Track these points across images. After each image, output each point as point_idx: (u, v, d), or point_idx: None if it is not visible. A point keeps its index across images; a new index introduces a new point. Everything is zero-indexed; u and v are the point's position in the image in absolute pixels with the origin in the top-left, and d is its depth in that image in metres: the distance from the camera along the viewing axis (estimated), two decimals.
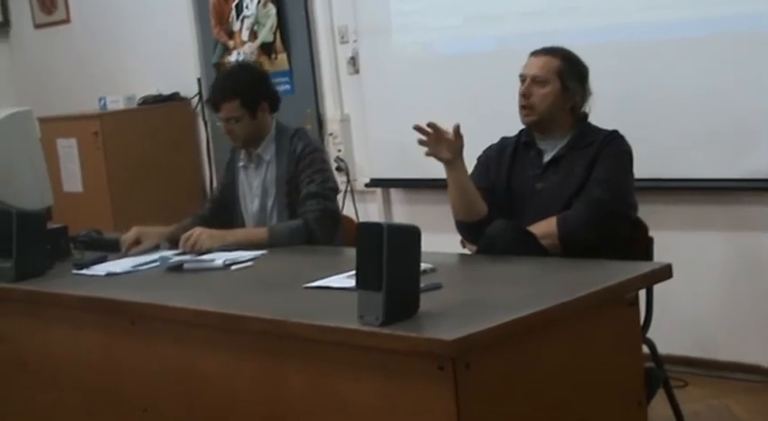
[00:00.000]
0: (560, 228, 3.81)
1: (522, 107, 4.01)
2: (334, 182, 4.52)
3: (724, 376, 5.01)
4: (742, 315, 4.98)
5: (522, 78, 4.03)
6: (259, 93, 4.47)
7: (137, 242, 4.38)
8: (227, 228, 4.46)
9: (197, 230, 4.25)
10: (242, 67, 4.83)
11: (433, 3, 5.85)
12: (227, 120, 4.46)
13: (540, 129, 4.05)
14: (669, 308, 4.10)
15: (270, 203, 4.51)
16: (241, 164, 4.62)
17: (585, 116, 4.06)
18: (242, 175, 4.62)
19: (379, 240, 2.81)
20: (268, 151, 4.52)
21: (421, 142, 3.84)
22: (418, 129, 3.82)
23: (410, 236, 2.89)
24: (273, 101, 4.54)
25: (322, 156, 4.52)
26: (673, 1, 4.90)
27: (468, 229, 3.98)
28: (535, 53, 4.07)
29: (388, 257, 2.81)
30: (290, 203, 4.44)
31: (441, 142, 3.85)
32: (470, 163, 4.08)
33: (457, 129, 3.83)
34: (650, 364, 3.77)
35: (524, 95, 4.00)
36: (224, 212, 4.65)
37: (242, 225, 4.56)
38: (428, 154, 3.87)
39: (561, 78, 3.99)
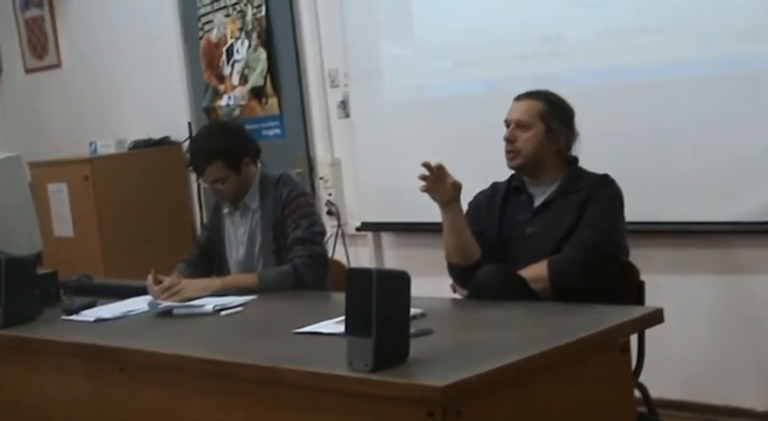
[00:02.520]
0: (551, 271, 3.80)
1: (508, 152, 4.02)
2: (321, 225, 4.51)
3: (717, 420, 4.98)
4: (735, 358, 4.96)
5: (507, 123, 4.04)
6: (239, 149, 4.44)
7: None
8: (210, 275, 4.45)
9: (183, 281, 4.24)
10: (216, 127, 4.78)
11: (424, 47, 5.86)
12: (213, 183, 4.45)
13: (527, 173, 4.05)
14: (661, 352, 4.07)
15: (257, 250, 4.49)
16: (226, 211, 4.60)
17: (576, 160, 4.07)
18: (227, 223, 4.60)
19: (368, 286, 2.80)
20: (254, 199, 4.50)
21: (422, 177, 3.83)
22: (426, 165, 3.82)
23: (400, 281, 2.87)
24: (256, 152, 4.52)
25: (308, 200, 4.51)
26: (662, 43, 4.90)
27: (461, 273, 3.97)
28: (518, 98, 4.09)
29: (378, 303, 2.79)
30: (276, 249, 4.42)
31: (441, 183, 3.84)
32: (462, 207, 4.08)
33: (455, 182, 3.83)
34: (643, 409, 3.76)
35: (509, 140, 4.01)
36: (210, 258, 4.63)
37: (227, 273, 4.54)
38: (423, 190, 3.86)
39: (544, 121, 4.00)
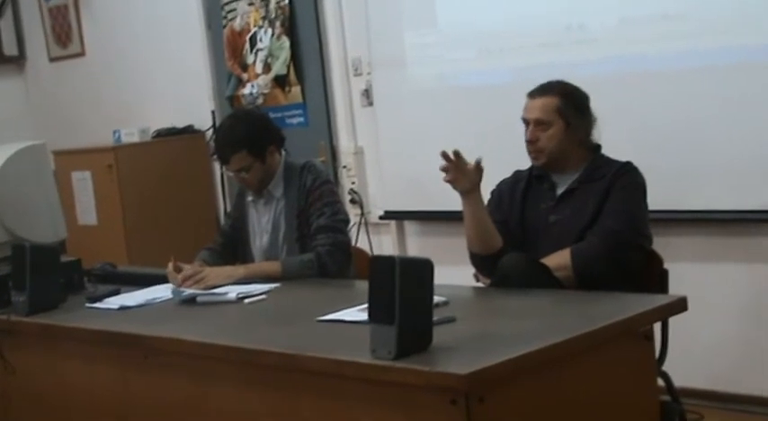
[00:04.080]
0: (574, 260, 3.80)
1: (531, 152, 4.01)
2: (345, 214, 4.51)
3: (742, 409, 4.96)
4: (759, 347, 4.94)
5: (525, 122, 4.02)
6: (264, 137, 4.44)
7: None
8: (234, 263, 4.46)
9: (206, 269, 4.25)
10: (241, 116, 4.74)
11: (447, 35, 5.85)
12: (237, 172, 4.45)
13: (552, 168, 4.04)
14: (685, 340, 4.07)
15: (281, 238, 4.49)
16: (250, 199, 4.60)
17: (598, 147, 4.05)
18: (251, 210, 4.60)
19: (391, 273, 2.81)
20: (278, 187, 4.50)
21: (442, 168, 3.83)
22: (444, 155, 3.81)
23: (423, 269, 2.88)
24: (280, 140, 4.52)
25: (332, 188, 4.50)
26: (687, 31, 4.89)
27: (483, 262, 3.96)
28: (532, 95, 4.05)
29: (401, 290, 2.80)
30: (299, 237, 4.43)
31: (461, 172, 3.83)
32: (484, 196, 4.07)
33: (478, 163, 3.82)
34: (666, 398, 3.75)
35: (531, 141, 3.99)
36: (234, 247, 4.64)
37: (251, 261, 4.53)
38: (446, 180, 3.85)
39: (563, 116, 3.97)
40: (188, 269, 4.22)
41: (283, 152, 4.55)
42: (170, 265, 4.26)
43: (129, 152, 7.21)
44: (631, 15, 5.07)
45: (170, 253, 4.40)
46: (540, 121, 3.98)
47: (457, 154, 3.82)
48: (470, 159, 3.84)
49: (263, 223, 4.56)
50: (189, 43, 7.31)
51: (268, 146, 4.44)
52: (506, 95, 5.33)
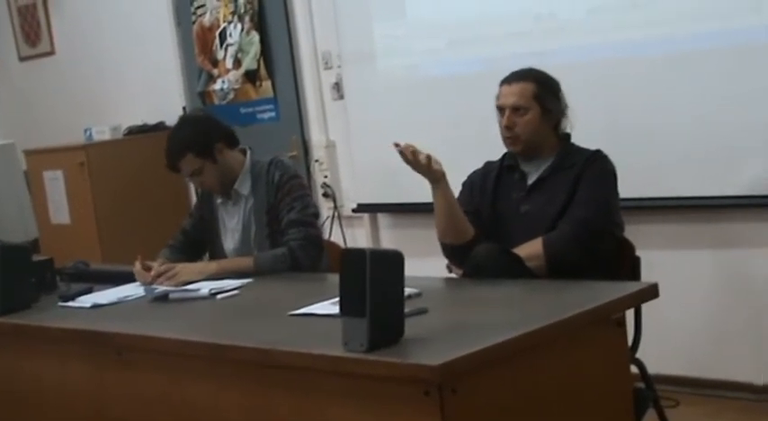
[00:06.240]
0: (546, 249, 3.80)
1: (507, 138, 4.00)
2: (315, 207, 4.51)
3: (716, 395, 4.99)
4: (732, 332, 4.97)
5: (500, 109, 4.02)
6: (208, 137, 4.40)
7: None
8: (195, 261, 4.47)
9: (178, 265, 4.25)
10: (182, 122, 4.72)
11: (417, 26, 5.85)
12: (191, 176, 4.44)
13: (527, 155, 4.04)
14: (659, 327, 4.08)
15: (252, 237, 4.47)
16: (219, 201, 4.58)
17: (568, 136, 4.06)
18: (221, 212, 4.58)
19: (361, 266, 2.81)
20: (245, 185, 4.48)
21: (406, 161, 3.83)
22: (400, 151, 3.81)
23: (393, 261, 2.87)
24: (228, 137, 4.48)
25: (300, 182, 4.49)
26: (656, 18, 4.90)
27: (454, 252, 3.96)
28: (507, 81, 4.05)
29: (371, 283, 2.80)
30: (270, 233, 4.41)
31: (419, 166, 3.83)
32: (456, 186, 4.07)
33: (427, 156, 3.81)
34: (640, 385, 3.76)
35: (508, 127, 3.99)
36: (195, 246, 4.64)
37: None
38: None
39: (540, 102, 3.98)
40: (161, 266, 4.22)
41: (249, 151, 4.53)
42: (137, 264, 4.25)
43: (101, 150, 7.19)
44: (600, 4, 5.08)
45: (143, 250, 4.39)
46: (518, 107, 3.97)
47: (412, 152, 3.80)
48: (435, 149, 3.83)
49: (233, 224, 4.54)
50: (159, 39, 7.30)
51: (214, 144, 4.40)
52: (477, 86, 5.34)
